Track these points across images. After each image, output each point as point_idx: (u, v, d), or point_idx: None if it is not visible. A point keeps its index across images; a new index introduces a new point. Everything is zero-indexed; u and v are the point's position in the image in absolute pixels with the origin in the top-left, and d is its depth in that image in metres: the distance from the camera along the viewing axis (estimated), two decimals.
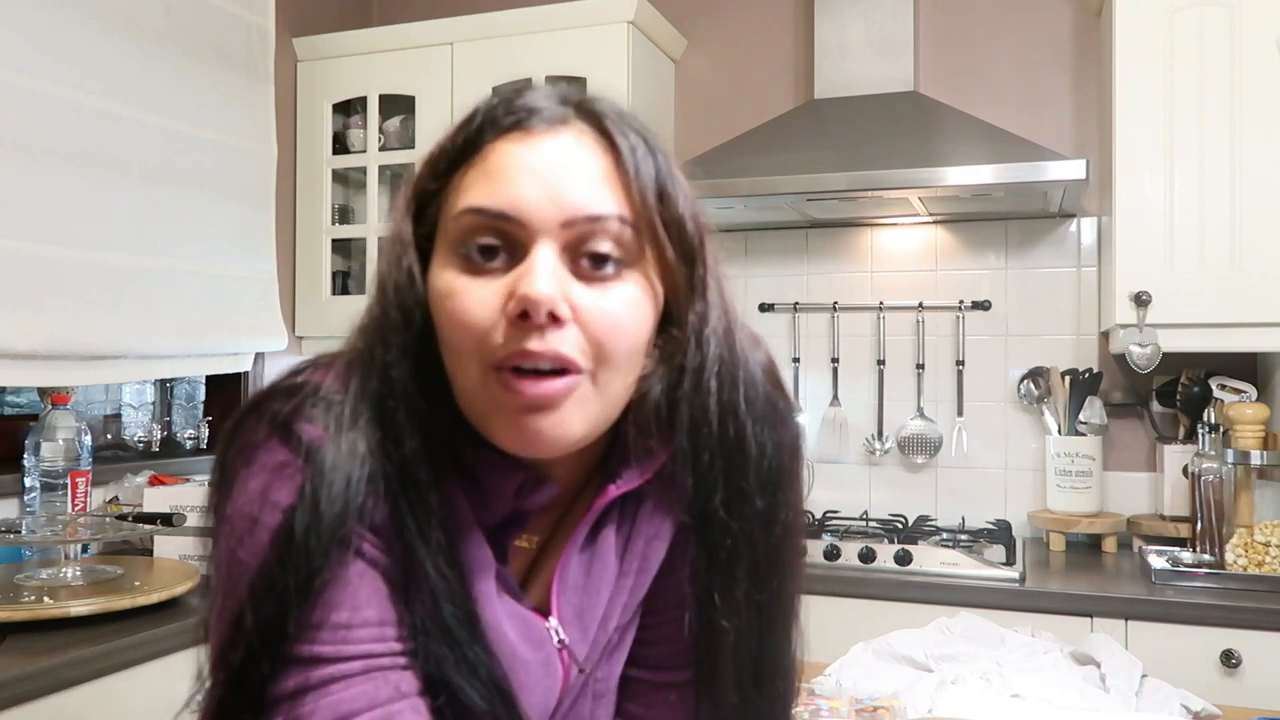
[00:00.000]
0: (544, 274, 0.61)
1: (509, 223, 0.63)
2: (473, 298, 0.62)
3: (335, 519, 0.60)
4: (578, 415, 0.63)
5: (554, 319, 0.61)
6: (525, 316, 0.60)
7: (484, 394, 0.63)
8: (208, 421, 2.59)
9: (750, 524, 0.70)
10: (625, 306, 0.64)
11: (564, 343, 0.61)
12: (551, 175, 0.63)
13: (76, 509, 1.98)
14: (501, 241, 0.63)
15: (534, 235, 0.62)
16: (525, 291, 0.60)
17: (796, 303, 2.64)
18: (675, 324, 0.68)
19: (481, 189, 0.64)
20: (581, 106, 0.67)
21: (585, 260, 0.63)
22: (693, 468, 0.68)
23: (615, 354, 0.64)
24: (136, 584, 1.72)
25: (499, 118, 0.66)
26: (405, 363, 0.64)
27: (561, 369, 0.62)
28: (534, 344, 0.61)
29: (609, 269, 0.64)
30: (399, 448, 0.63)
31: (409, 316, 0.65)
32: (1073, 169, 2.04)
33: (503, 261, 0.63)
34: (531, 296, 0.60)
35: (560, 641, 0.73)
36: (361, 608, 0.60)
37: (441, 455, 0.65)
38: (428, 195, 0.68)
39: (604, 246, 0.63)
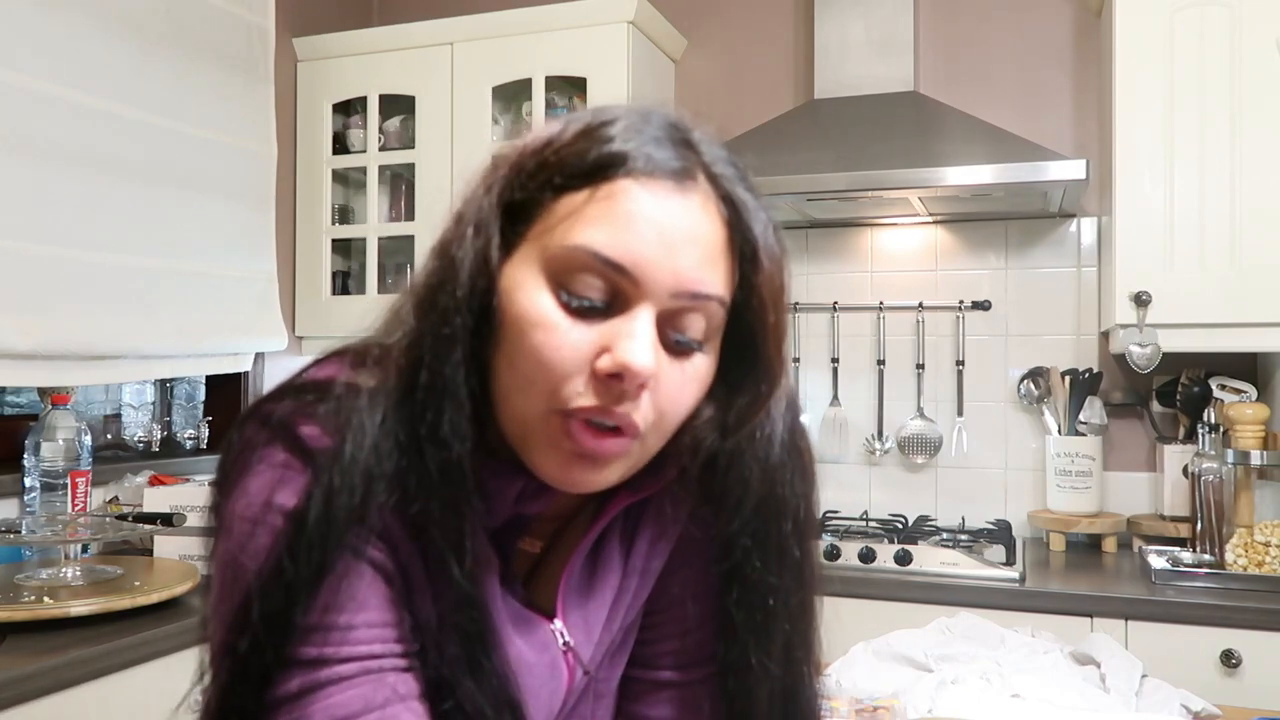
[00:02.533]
0: (647, 344, 0.61)
1: (623, 277, 0.61)
2: (565, 340, 0.61)
3: (351, 513, 0.59)
4: (619, 469, 0.65)
5: (640, 387, 0.61)
6: (616, 378, 0.60)
7: (542, 429, 0.62)
8: (208, 421, 2.59)
9: (787, 579, 0.70)
10: (693, 383, 0.65)
11: (638, 411, 0.62)
12: (676, 241, 0.62)
13: (76, 509, 1.98)
14: (606, 288, 0.62)
15: (643, 297, 0.62)
16: (628, 361, 0.60)
17: (796, 303, 2.64)
18: (734, 381, 0.68)
19: (604, 232, 0.61)
20: (708, 165, 0.65)
21: (672, 330, 0.63)
22: (732, 525, 0.69)
23: (670, 423, 0.65)
24: (136, 584, 1.72)
25: (630, 156, 0.62)
26: (466, 363, 0.62)
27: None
28: (617, 407, 0.61)
29: (691, 342, 0.64)
30: (441, 449, 0.61)
31: (473, 307, 0.62)
32: (1073, 169, 2.04)
33: (601, 307, 0.62)
34: (634, 368, 0.60)
35: (565, 644, 0.72)
36: (361, 609, 0.60)
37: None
38: (530, 199, 0.64)
39: (698, 323, 0.63)
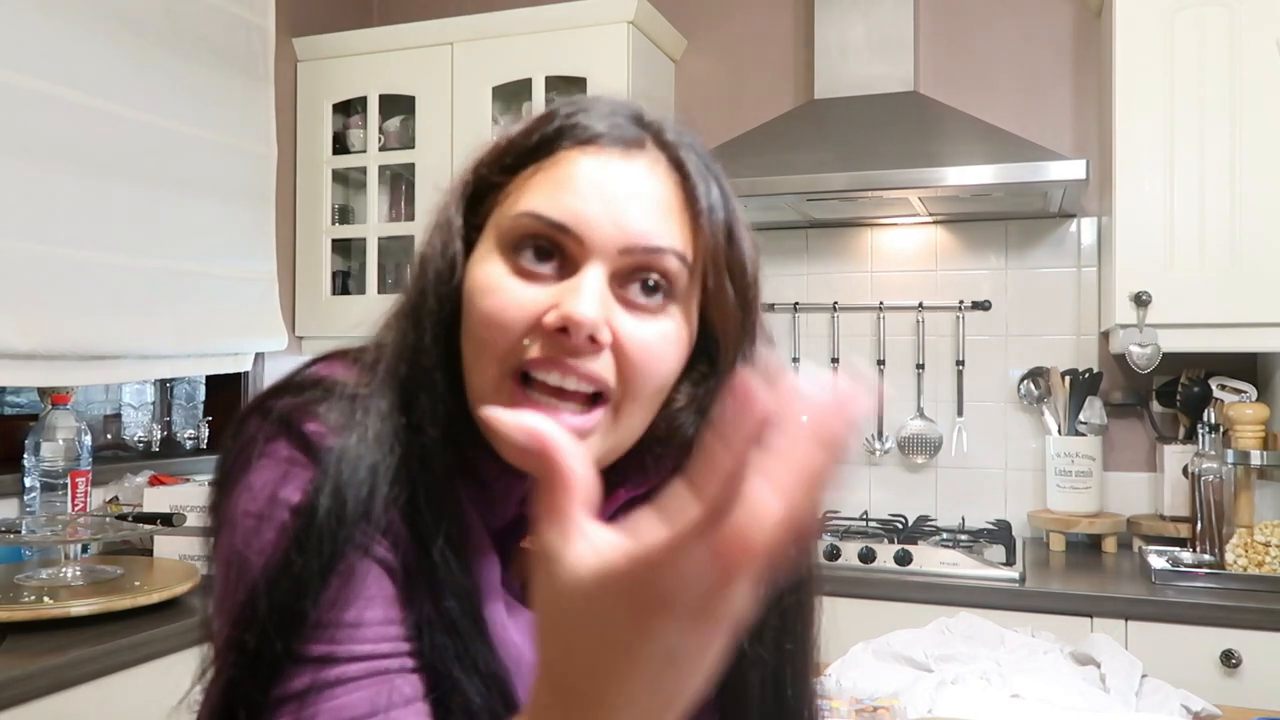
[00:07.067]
0: (591, 296, 0.60)
1: (567, 236, 0.62)
2: (513, 298, 0.61)
3: (358, 509, 0.59)
4: (591, 447, 0.62)
5: (592, 342, 0.60)
6: (563, 332, 0.60)
7: (495, 400, 0.62)
8: (208, 421, 2.59)
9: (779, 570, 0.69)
10: (663, 341, 0.63)
11: (598, 364, 0.61)
12: (619, 198, 0.62)
13: (76, 509, 1.97)
14: (554, 251, 0.62)
15: (589, 254, 0.61)
16: (569, 310, 0.59)
17: (796, 303, 2.64)
18: (709, 360, 0.68)
19: (546, 195, 0.63)
20: (659, 134, 0.66)
21: (634, 288, 0.63)
22: None
23: (644, 387, 0.63)
24: (136, 584, 1.72)
25: (577, 126, 0.64)
26: (436, 350, 0.64)
27: (594, 395, 0.62)
28: (570, 359, 0.60)
29: (655, 300, 0.63)
30: (420, 434, 0.62)
31: (444, 304, 0.64)
32: (1073, 169, 2.04)
33: (552, 270, 0.62)
34: (575, 317, 0.59)
35: None
36: (368, 606, 0.59)
37: (453, 454, 0.64)
38: (487, 186, 0.67)
39: (655, 278, 0.63)
